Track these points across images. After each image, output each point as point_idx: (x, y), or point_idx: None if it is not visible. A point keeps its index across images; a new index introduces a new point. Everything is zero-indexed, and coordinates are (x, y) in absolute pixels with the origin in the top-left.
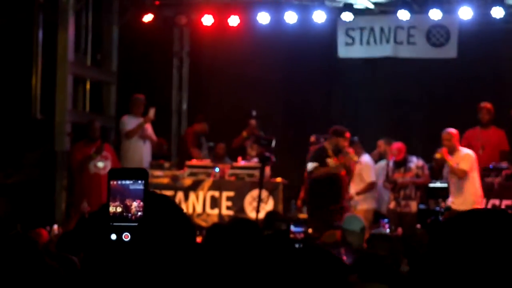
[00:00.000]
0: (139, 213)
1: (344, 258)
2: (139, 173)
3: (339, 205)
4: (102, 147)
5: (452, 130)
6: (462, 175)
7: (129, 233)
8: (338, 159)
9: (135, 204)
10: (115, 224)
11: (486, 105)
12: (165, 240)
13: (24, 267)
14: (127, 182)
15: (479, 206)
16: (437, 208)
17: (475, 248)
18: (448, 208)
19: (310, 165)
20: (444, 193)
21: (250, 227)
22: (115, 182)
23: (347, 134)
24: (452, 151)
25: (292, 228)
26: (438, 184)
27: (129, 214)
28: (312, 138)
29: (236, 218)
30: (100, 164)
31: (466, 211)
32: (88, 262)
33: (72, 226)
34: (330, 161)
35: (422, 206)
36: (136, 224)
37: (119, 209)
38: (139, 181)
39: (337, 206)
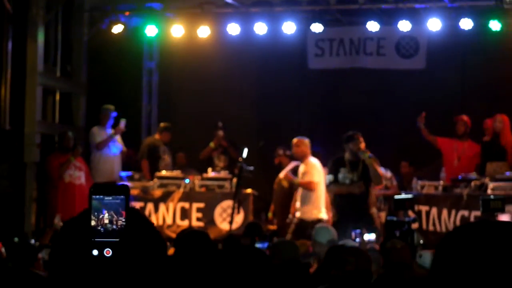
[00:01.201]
0: (121, 229)
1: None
2: (120, 189)
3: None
4: (78, 150)
5: (305, 139)
6: (313, 187)
7: (111, 249)
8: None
9: (116, 219)
10: (96, 239)
11: (463, 117)
12: (141, 255)
13: None
14: (109, 197)
15: (324, 215)
16: (407, 219)
17: (484, 260)
18: (416, 219)
19: (327, 178)
20: (410, 203)
21: (199, 239)
22: (97, 197)
23: (357, 136)
24: (302, 158)
25: (258, 244)
26: (403, 196)
27: (111, 230)
28: (280, 151)
29: (184, 231)
30: (76, 174)
31: (473, 222)
32: (66, 277)
33: (47, 241)
34: (343, 171)
35: (390, 218)
36: (117, 240)
37: (100, 225)
38: (121, 197)
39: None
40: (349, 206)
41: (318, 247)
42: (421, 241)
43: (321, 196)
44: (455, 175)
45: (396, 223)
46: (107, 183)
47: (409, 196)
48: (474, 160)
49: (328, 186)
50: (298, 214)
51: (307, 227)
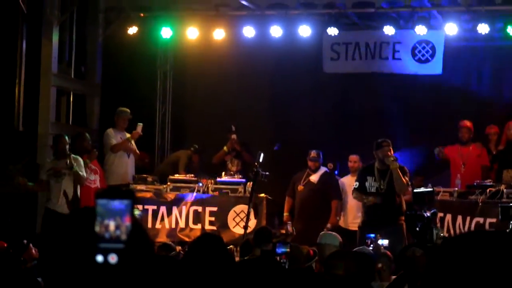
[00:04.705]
0: (126, 234)
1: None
2: (126, 193)
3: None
4: (94, 153)
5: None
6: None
7: (116, 255)
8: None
9: (122, 225)
10: (101, 245)
11: (466, 123)
12: (147, 263)
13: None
14: (115, 202)
15: None
16: (426, 214)
17: (476, 270)
18: (435, 213)
19: (355, 184)
20: (430, 197)
21: (214, 242)
22: (102, 202)
23: (384, 143)
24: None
25: (278, 249)
26: (422, 189)
27: (116, 235)
28: (313, 154)
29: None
30: (91, 177)
31: (466, 233)
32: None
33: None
34: (370, 179)
35: (410, 212)
36: (123, 245)
37: (105, 230)
38: (126, 201)
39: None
40: (372, 214)
41: (330, 250)
42: (442, 234)
43: None
44: (464, 181)
45: (413, 217)
46: (112, 188)
47: (429, 189)
48: (479, 162)
49: (352, 193)
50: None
51: None
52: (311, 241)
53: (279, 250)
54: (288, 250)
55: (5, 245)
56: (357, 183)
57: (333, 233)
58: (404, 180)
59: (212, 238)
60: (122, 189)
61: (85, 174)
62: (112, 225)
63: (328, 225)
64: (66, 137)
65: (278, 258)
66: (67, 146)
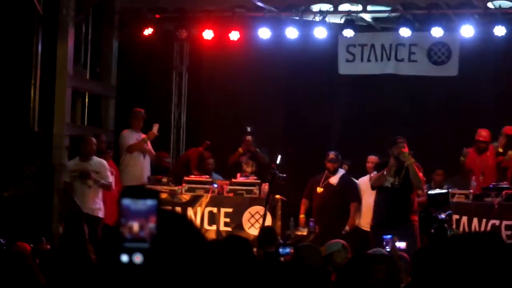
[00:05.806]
0: (151, 234)
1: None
2: (151, 193)
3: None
4: (110, 153)
5: None
6: None
7: (141, 254)
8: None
9: (147, 224)
10: (126, 244)
11: (482, 134)
12: (178, 260)
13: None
14: (139, 201)
15: None
16: (441, 216)
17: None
18: (450, 215)
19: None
20: (445, 199)
21: (242, 245)
22: (126, 201)
23: (399, 140)
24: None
25: (281, 250)
26: (437, 191)
27: (141, 235)
28: (331, 155)
29: (231, 235)
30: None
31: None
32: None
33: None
34: (388, 175)
35: (424, 214)
36: (148, 245)
37: (130, 229)
38: (152, 201)
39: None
40: (384, 213)
41: (338, 256)
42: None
43: None
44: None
45: (428, 219)
46: (137, 187)
47: (444, 191)
48: (496, 169)
49: (370, 180)
50: None
51: None
52: None
53: (283, 251)
54: (291, 251)
55: (29, 248)
56: (376, 172)
57: (333, 240)
58: (421, 176)
59: (239, 240)
60: (147, 189)
61: (110, 179)
62: (136, 224)
63: (347, 228)
64: (94, 139)
65: (282, 259)
66: (95, 148)
